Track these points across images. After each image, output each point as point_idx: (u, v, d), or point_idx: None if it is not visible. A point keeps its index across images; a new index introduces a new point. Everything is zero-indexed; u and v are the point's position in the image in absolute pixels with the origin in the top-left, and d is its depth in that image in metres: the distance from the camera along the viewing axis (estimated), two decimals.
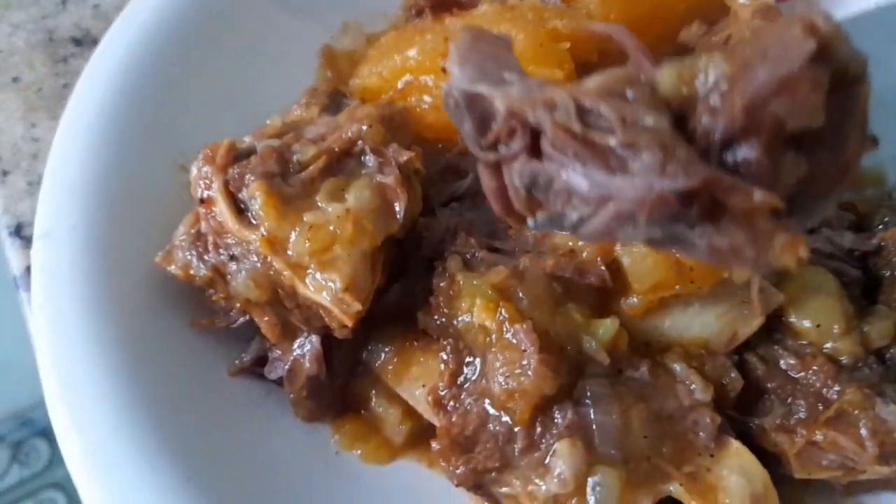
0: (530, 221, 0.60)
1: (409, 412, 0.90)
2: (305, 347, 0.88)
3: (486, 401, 0.79)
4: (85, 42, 1.44)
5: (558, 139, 0.55)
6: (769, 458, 0.85)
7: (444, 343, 0.85)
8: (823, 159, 0.55)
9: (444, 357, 0.84)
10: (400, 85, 1.05)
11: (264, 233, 0.82)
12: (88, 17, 1.47)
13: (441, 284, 0.86)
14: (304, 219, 0.82)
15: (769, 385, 0.87)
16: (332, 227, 0.82)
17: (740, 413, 0.88)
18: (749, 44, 0.53)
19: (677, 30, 1.14)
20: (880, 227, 1.04)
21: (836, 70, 0.52)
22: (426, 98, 1.04)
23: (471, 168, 0.98)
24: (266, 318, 0.87)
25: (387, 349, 0.90)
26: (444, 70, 1.01)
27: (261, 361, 0.92)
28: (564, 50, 0.99)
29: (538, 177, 0.57)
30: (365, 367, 0.92)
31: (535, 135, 0.57)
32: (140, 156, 1.03)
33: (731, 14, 1.10)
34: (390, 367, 0.90)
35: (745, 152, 0.52)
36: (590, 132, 0.54)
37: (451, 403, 0.82)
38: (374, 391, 0.92)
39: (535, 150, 0.57)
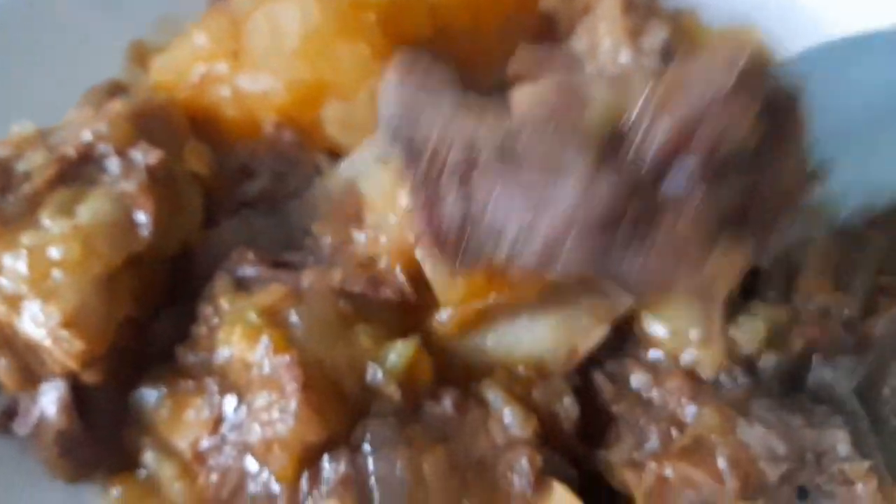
0: (462, 256, 0.62)
1: (189, 466, 0.74)
2: (51, 395, 0.72)
3: (248, 452, 0.64)
4: None
5: (486, 172, 0.58)
6: (620, 501, 0.70)
7: (209, 383, 0.69)
8: (763, 185, 0.57)
9: (209, 400, 0.68)
10: (194, 78, 0.89)
11: None
12: None
13: (206, 311, 0.71)
14: (23, 241, 0.67)
15: (616, 409, 0.72)
16: (54, 249, 0.66)
17: (587, 444, 0.72)
18: (678, 71, 0.56)
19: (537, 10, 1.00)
20: None
21: (768, 97, 0.55)
22: (223, 90, 0.88)
23: (265, 167, 0.83)
24: (2, 363, 0.72)
25: (158, 393, 0.74)
26: (234, 55, 0.86)
27: (10, 415, 0.76)
28: (373, 22, 0.84)
29: (469, 211, 0.59)
30: (136, 415, 0.76)
31: (466, 167, 0.59)
32: None
33: None
34: (163, 414, 0.74)
35: (678, 177, 0.54)
36: (514, 164, 0.58)
37: (213, 457, 0.66)
38: (147, 442, 0.76)
39: (465, 183, 0.59)
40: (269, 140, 0.85)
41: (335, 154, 0.87)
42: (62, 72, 1.02)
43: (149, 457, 0.76)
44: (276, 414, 0.62)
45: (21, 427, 0.75)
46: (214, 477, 0.65)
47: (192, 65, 0.89)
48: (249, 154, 0.84)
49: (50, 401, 0.73)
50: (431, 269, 0.70)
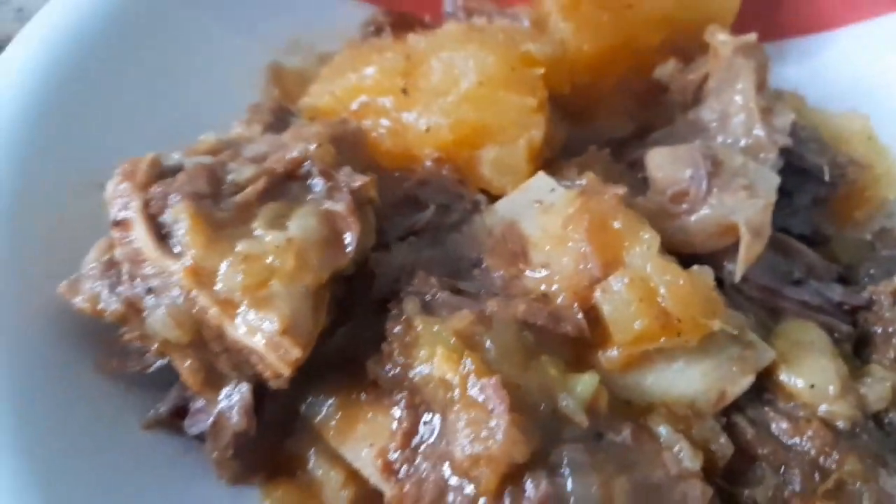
0: None
1: (353, 476, 0.77)
2: (233, 398, 0.75)
3: (446, 466, 0.68)
4: (3, 48, 1.30)
5: None
6: None
7: (398, 397, 0.73)
8: None
9: (398, 414, 0.72)
10: (354, 106, 0.95)
11: (189, 262, 0.70)
12: (10, 20, 1.33)
13: (396, 330, 0.75)
14: (237, 248, 0.70)
15: (760, 451, 0.78)
16: (269, 259, 0.70)
17: (728, 482, 0.78)
18: None
19: (651, 63, 1.08)
20: (867, 279, 0.98)
21: None
22: (383, 122, 0.94)
23: (432, 199, 0.88)
24: (188, 363, 0.74)
25: (329, 402, 0.78)
26: (403, 91, 0.92)
27: (180, 413, 0.79)
28: (538, 76, 0.90)
29: None
30: (303, 423, 0.79)
31: None
32: (48, 169, 0.89)
33: (710, 51, 1.04)
34: (333, 424, 0.77)
35: None
36: None
37: (404, 468, 0.70)
38: (312, 451, 0.79)
39: None
40: (431, 174, 0.90)
41: (486, 192, 0.93)
42: (199, 88, 1.06)
43: (314, 464, 0.78)
44: (483, 432, 0.66)
45: (194, 426, 0.77)
46: (408, 487, 0.68)
47: (355, 94, 0.94)
48: (416, 185, 0.89)
49: (233, 403, 0.75)
50: (611, 311, 0.75)
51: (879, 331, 0.88)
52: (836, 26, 1.20)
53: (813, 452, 0.77)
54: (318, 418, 0.78)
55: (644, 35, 1.06)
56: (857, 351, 0.90)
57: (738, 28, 1.08)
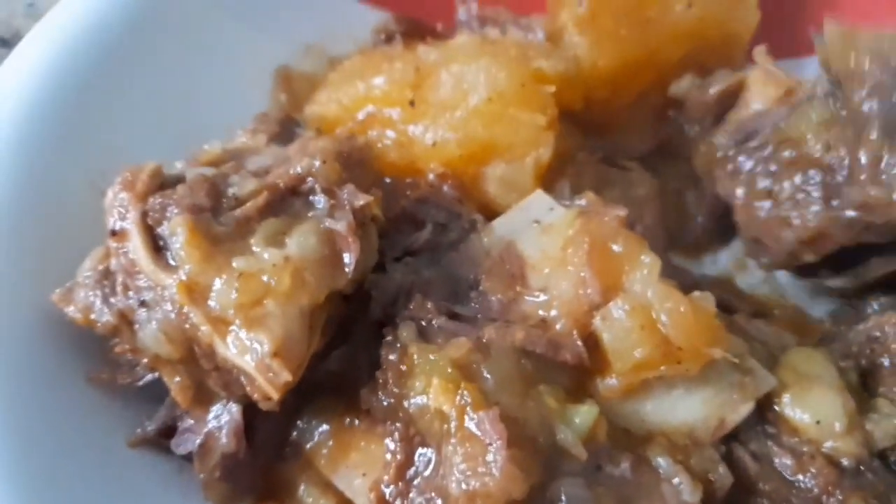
0: None
1: None
2: (223, 418, 0.73)
3: (440, 502, 0.66)
4: (13, 43, 1.28)
5: None
6: None
7: (392, 428, 0.71)
8: None
9: (391, 445, 0.70)
10: (361, 116, 0.93)
11: (183, 277, 0.68)
12: (20, 15, 1.31)
13: (391, 357, 0.73)
14: (234, 264, 0.69)
15: (762, 487, 0.76)
16: (265, 278, 0.68)
17: None
18: None
19: (671, 78, 1.05)
20: (871, 311, 0.96)
21: None
22: (389, 133, 0.92)
23: (430, 217, 0.86)
24: (177, 379, 0.73)
25: (322, 428, 0.76)
26: (411, 103, 0.90)
27: (169, 432, 0.77)
28: (549, 94, 0.88)
29: None
30: (294, 448, 0.77)
31: None
32: (51, 172, 0.88)
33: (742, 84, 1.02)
34: (325, 451, 0.76)
35: None
36: None
37: (398, 502, 0.68)
38: (303, 477, 0.77)
39: None
40: (431, 191, 0.88)
41: (489, 210, 0.91)
42: (210, 92, 1.04)
43: (304, 491, 0.77)
44: (480, 468, 0.64)
45: (182, 446, 0.76)
46: None
47: (362, 104, 0.92)
48: (415, 203, 0.87)
49: (221, 423, 0.74)
50: (610, 338, 0.73)
51: (887, 363, 0.86)
52: None
53: (816, 490, 0.75)
54: (311, 444, 0.76)
55: (665, 50, 1.04)
56: (863, 382, 0.88)
57: (755, 43, 1.06)
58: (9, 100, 0.90)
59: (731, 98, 1.04)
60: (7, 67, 0.94)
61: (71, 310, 0.75)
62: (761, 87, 1.01)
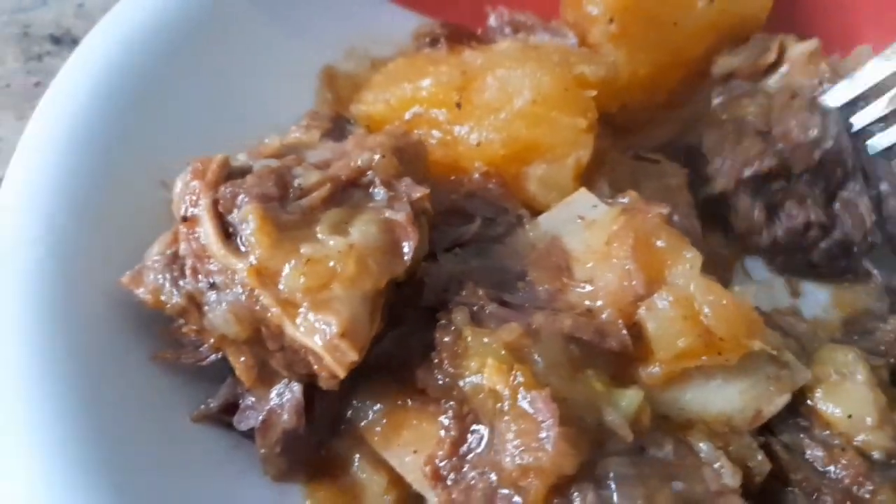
0: None
1: (397, 481, 0.79)
2: (285, 397, 0.77)
3: (494, 476, 0.70)
4: (64, 41, 1.34)
5: None
6: None
7: (446, 406, 0.75)
8: None
9: (445, 422, 0.74)
10: (407, 116, 0.97)
11: (254, 262, 0.73)
12: (70, 15, 1.37)
13: (446, 339, 0.77)
14: (301, 250, 0.73)
15: (793, 477, 0.80)
16: (332, 263, 0.72)
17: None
18: None
19: (700, 69, 1.10)
20: None
21: None
22: (435, 133, 0.96)
23: (478, 212, 0.90)
24: (242, 359, 0.77)
25: (375, 407, 0.80)
26: (457, 105, 0.94)
27: (230, 409, 0.81)
28: (590, 98, 0.93)
29: None
30: (348, 426, 0.81)
31: None
32: (116, 166, 0.92)
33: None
34: (378, 429, 0.79)
35: None
36: None
37: (452, 476, 0.72)
38: (357, 454, 0.81)
39: None
40: (478, 186, 0.93)
41: (530, 207, 0.95)
42: (260, 91, 1.08)
43: (358, 467, 0.81)
44: (533, 444, 0.67)
45: (244, 422, 0.80)
46: (456, 495, 0.70)
47: (409, 104, 0.97)
48: (463, 198, 0.91)
49: (283, 401, 0.78)
50: (655, 327, 0.77)
51: None
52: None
53: (847, 481, 0.78)
54: (364, 422, 0.80)
55: (692, 47, 1.09)
56: (892, 379, 0.92)
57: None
58: (76, 98, 0.95)
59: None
60: (70, 67, 0.99)
61: (141, 291, 0.79)
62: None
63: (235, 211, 0.75)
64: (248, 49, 1.11)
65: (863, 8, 1.23)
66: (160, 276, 0.78)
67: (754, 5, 1.10)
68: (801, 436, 0.82)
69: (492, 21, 1.17)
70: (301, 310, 0.71)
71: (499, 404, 0.71)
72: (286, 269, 0.72)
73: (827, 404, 0.82)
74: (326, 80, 1.12)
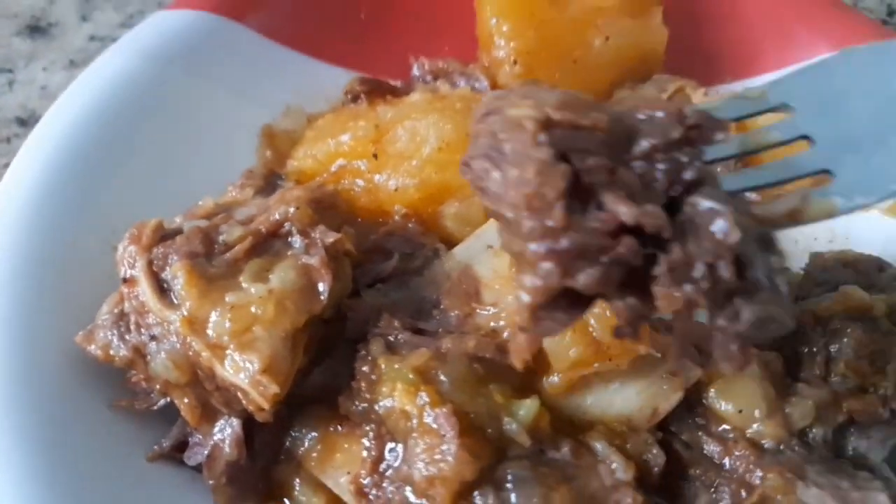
0: None
1: (334, 501, 0.88)
2: (226, 431, 0.86)
3: (408, 488, 0.78)
4: (30, 123, 1.45)
5: None
6: None
7: (367, 429, 0.83)
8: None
9: (367, 443, 0.82)
10: (333, 168, 1.07)
11: (185, 312, 0.82)
12: (35, 97, 1.48)
13: (364, 369, 0.85)
14: (226, 299, 0.82)
15: (693, 471, 0.87)
16: (253, 308, 0.81)
17: (667, 499, 0.87)
18: None
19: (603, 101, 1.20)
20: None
21: None
22: (359, 182, 1.06)
23: (397, 248, 0.99)
24: (186, 401, 0.86)
25: (311, 435, 0.88)
26: (374, 156, 1.04)
27: (182, 447, 0.90)
28: None
29: None
30: (288, 454, 0.89)
31: None
32: (71, 232, 1.02)
33: None
34: (314, 454, 0.88)
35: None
36: None
37: (374, 492, 0.80)
38: (297, 479, 0.89)
39: None
40: (397, 226, 1.02)
41: (448, 242, 1.04)
42: (204, 154, 1.19)
43: (299, 490, 0.89)
44: (437, 456, 0.76)
45: (192, 458, 0.88)
46: None
47: (334, 158, 1.07)
48: (384, 237, 1.01)
49: (224, 435, 0.86)
50: (549, 341, 0.86)
51: (805, 350, 0.96)
52: (773, 69, 1.28)
53: (741, 470, 0.86)
54: (302, 449, 0.88)
55: (595, 81, 1.19)
56: (789, 370, 0.99)
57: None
58: (31, 170, 1.05)
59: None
60: (29, 144, 1.10)
61: (92, 348, 0.89)
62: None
63: (167, 269, 0.84)
64: (191, 116, 1.21)
65: (764, 39, 1.32)
66: (109, 333, 0.88)
67: (650, 39, 1.21)
68: (700, 433, 0.89)
69: (415, 70, 1.28)
70: (228, 351, 0.80)
71: (409, 423, 0.79)
72: (213, 317, 0.81)
73: (720, 402, 0.89)
74: (265, 138, 1.22)
